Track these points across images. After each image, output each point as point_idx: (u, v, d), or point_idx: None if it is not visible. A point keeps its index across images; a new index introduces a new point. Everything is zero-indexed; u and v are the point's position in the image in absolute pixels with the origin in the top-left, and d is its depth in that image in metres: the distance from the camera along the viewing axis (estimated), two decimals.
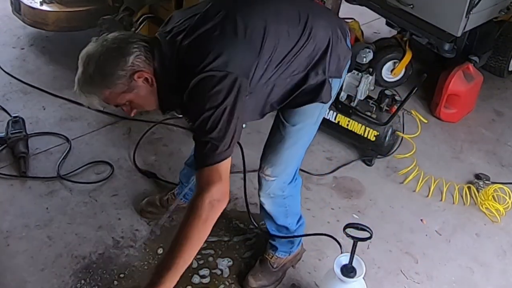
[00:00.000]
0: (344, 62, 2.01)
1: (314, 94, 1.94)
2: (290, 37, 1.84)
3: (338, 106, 3.09)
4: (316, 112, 2.02)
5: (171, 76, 1.79)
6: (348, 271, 2.10)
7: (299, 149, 2.11)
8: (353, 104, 3.09)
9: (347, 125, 3.11)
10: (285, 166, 2.10)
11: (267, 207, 2.21)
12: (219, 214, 1.69)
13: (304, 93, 1.93)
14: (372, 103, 3.09)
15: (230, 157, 1.72)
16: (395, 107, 3.03)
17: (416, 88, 2.98)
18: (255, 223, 2.37)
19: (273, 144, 2.08)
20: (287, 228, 2.30)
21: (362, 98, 3.11)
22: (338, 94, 2.99)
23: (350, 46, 2.04)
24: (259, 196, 2.20)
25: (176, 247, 1.65)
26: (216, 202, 1.67)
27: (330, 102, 2.05)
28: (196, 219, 1.65)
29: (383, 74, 3.63)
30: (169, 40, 1.80)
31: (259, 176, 2.15)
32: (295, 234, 2.36)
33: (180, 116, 3.17)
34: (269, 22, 1.81)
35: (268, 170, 2.10)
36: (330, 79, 1.95)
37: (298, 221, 2.33)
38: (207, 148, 1.68)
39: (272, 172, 2.09)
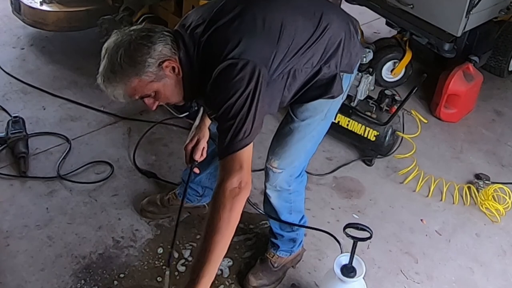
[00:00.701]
0: (356, 59, 2.05)
1: (325, 89, 1.97)
2: (306, 29, 1.87)
3: None
4: (325, 109, 2.04)
5: (194, 67, 1.82)
6: (348, 271, 2.10)
7: (307, 144, 2.12)
8: (353, 104, 3.09)
9: (347, 125, 3.11)
10: (292, 160, 2.12)
11: (273, 200, 2.22)
12: (243, 202, 1.68)
13: (315, 87, 1.96)
14: (372, 103, 3.09)
15: (251, 145, 1.72)
16: (395, 107, 3.03)
17: (416, 88, 2.98)
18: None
19: (281, 137, 2.11)
20: (290, 226, 2.31)
21: (362, 98, 3.11)
22: None
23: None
24: (265, 188, 2.21)
25: (207, 241, 1.64)
26: (238, 190, 1.66)
27: (341, 100, 2.07)
28: (221, 209, 1.64)
29: (383, 74, 3.63)
30: (189, 33, 1.83)
31: (266, 168, 2.16)
32: (298, 233, 2.37)
33: (181, 116, 3.17)
34: (286, 15, 1.84)
35: (275, 162, 2.11)
36: (341, 74, 1.98)
37: (300, 220, 2.34)
38: (229, 135, 1.69)
39: (279, 165, 2.11)
